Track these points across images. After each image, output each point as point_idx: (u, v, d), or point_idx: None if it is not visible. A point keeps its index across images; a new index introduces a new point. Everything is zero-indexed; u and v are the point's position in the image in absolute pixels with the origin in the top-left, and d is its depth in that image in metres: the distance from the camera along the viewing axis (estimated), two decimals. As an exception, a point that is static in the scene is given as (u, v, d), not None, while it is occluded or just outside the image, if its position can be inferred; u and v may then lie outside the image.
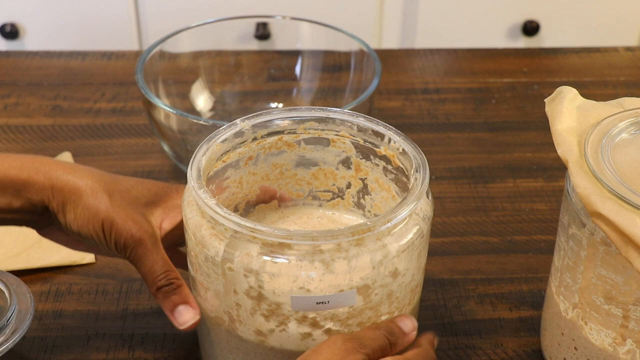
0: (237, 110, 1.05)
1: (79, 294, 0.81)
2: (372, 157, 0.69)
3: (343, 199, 0.73)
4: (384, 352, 0.61)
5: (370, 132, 0.68)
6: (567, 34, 1.67)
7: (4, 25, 1.60)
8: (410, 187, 0.62)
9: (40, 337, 0.76)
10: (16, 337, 0.70)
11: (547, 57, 1.24)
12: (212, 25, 1.02)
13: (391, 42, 1.68)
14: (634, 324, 0.64)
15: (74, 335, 0.77)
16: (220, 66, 1.06)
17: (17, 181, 0.65)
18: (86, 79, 1.15)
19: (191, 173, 0.62)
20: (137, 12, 1.61)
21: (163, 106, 0.88)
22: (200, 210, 0.61)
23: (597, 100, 0.69)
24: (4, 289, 0.73)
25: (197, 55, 1.03)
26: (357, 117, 0.68)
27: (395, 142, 0.66)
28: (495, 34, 1.66)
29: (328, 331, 0.61)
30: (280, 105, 1.06)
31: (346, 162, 0.71)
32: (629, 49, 1.25)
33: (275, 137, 0.69)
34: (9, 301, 0.72)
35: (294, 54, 1.07)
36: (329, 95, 1.04)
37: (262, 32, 1.10)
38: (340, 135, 0.69)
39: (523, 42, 1.66)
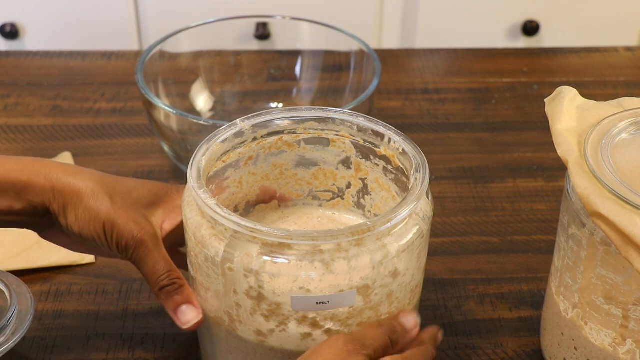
0: (237, 110, 1.05)
1: (79, 294, 0.81)
2: (372, 157, 0.69)
3: (343, 199, 0.73)
4: (386, 351, 0.61)
5: (370, 132, 0.68)
6: (567, 34, 1.67)
7: (4, 25, 1.60)
8: (410, 187, 0.62)
9: (40, 337, 0.76)
10: (17, 338, 0.70)
11: (547, 57, 1.24)
12: (212, 25, 1.02)
13: (391, 42, 1.67)
14: (634, 324, 0.64)
15: (74, 335, 0.77)
16: (220, 66, 1.06)
17: (18, 183, 0.65)
18: (86, 79, 1.15)
19: (191, 173, 0.62)
20: (137, 12, 1.61)
21: (163, 106, 0.88)
22: (200, 210, 0.61)
23: (597, 100, 0.69)
24: (4, 289, 0.73)
25: (197, 55, 1.04)
26: (357, 117, 0.68)
27: (395, 142, 0.66)
28: (495, 34, 1.66)
29: (328, 331, 0.61)
30: (280, 105, 1.06)
31: (346, 162, 0.71)
32: (629, 49, 1.25)
33: (275, 137, 0.69)
34: (9, 301, 0.72)
35: (294, 54, 1.07)
36: (329, 95, 1.04)
37: (262, 32, 1.10)
38: (340, 135, 0.69)
39: (523, 42, 1.66)
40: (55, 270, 0.83)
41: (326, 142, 0.70)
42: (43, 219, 0.67)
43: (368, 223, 0.58)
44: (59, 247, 0.72)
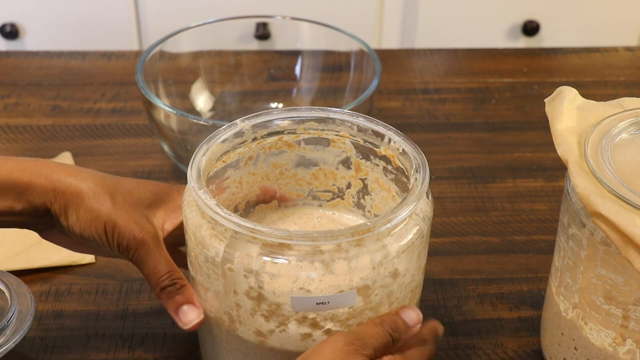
0: (237, 110, 1.05)
1: (79, 294, 0.81)
2: (372, 157, 0.69)
3: (343, 199, 0.73)
4: (387, 349, 0.60)
5: (370, 132, 0.68)
6: (567, 34, 1.67)
7: (4, 25, 1.60)
8: (410, 187, 0.62)
9: (40, 337, 0.76)
10: (17, 338, 0.70)
11: (547, 57, 1.24)
12: (212, 25, 1.02)
13: (391, 42, 1.68)
14: (634, 324, 0.64)
15: (74, 335, 0.77)
16: (220, 66, 1.06)
17: (19, 184, 0.65)
18: (86, 79, 1.15)
19: (191, 173, 0.62)
20: (137, 12, 1.61)
21: (163, 106, 0.88)
22: (200, 210, 0.61)
23: (597, 100, 0.69)
24: (4, 289, 0.73)
25: (197, 55, 1.04)
26: (357, 117, 0.68)
27: (395, 143, 0.66)
28: (495, 34, 1.66)
29: (328, 332, 0.61)
30: (280, 105, 1.06)
31: (346, 162, 0.71)
32: (629, 49, 1.25)
33: (275, 137, 0.69)
34: (9, 302, 0.72)
35: (294, 54, 1.07)
36: (329, 95, 1.04)
37: (262, 32, 1.10)
38: (340, 136, 0.69)
39: (523, 42, 1.66)
40: (55, 270, 0.83)
41: (326, 142, 0.70)
42: (44, 219, 0.67)
43: (368, 223, 0.58)
44: (59, 247, 0.72)
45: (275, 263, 0.58)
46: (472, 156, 1.02)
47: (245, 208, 0.72)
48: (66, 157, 0.99)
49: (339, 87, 1.03)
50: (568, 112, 0.66)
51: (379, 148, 0.68)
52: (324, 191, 0.73)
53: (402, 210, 0.59)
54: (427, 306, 0.80)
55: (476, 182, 0.97)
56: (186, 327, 0.65)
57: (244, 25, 1.06)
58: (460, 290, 0.83)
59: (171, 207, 0.69)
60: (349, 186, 0.72)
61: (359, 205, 0.73)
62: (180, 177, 0.97)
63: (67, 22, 1.61)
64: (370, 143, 0.68)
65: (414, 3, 1.62)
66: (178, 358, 0.75)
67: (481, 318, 0.80)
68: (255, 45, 1.10)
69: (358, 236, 0.58)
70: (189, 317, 0.65)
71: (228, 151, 0.67)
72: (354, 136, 0.69)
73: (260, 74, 1.08)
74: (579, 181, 0.60)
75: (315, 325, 0.61)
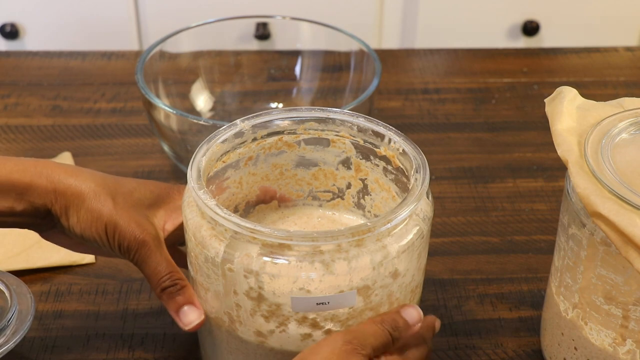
0: (237, 110, 1.05)
1: (79, 294, 0.81)
2: (372, 157, 0.69)
3: (343, 199, 0.73)
4: (386, 349, 0.60)
5: (370, 132, 0.68)
6: (567, 34, 1.67)
7: (4, 25, 1.60)
8: (410, 187, 0.62)
9: (40, 337, 0.76)
10: (17, 338, 0.70)
11: (547, 57, 1.24)
12: (212, 25, 1.02)
13: (391, 42, 1.67)
14: (634, 324, 0.64)
15: (74, 335, 0.77)
16: (220, 66, 1.06)
17: (20, 185, 0.65)
18: (86, 79, 1.15)
19: (191, 174, 0.62)
20: (137, 12, 1.61)
21: (163, 106, 0.88)
22: (200, 211, 0.61)
23: (597, 100, 0.69)
24: (4, 289, 0.73)
25: (197, 55, 1.04)
26: (357, 117, 0.68)
27: (396, 143, 0.66)
28: (495, 34, 1.66)
29: (328, 332, 0.61)
30: (280, 105, 1.06)
31: (346, 163, 0.71)
32: (629, 49, 1.25)
33: (275, 138, 0.69)
34: (9, 302, 0.72)
35: (294, 54, 1.07)
36: (329, 95, 1.04)
37: (262, 32, 1.10)
38: (340, 136, 0.69)
39: (523, 42, 1.66)
40: (55, 270, 0.83)
41: (326, 143, 0.70)
42: (44, 220, 0.67)
43: (368, 224, 0.58)
44: (59, 247, 0.72)
45: (275, 263, 0.58)
46: (472, 156, 1.02)
47: (245, 208, 0.72)
48: (66, 157, 0.99)
49: (339, 87, 1.03)
50: (568, 112, 0.66)
51: (379, 148, 0.68)
52: (324, 191, 0.73)
53: (402, 210, 0.59)
54: (427, 306, 0.80)
55: (476, 182, 0.97)
56: (187, 328, 0.65)
57: (244, 25, 1.06)
58: (460, 290, 0.83)
59: (172, 207, 0.69)
60: (349, 186, 0.72)
61: (359, 206, 0.73)
62: (180, 177, 0.97)
63: (67, 22, 1.61)
64: (370, 143, 0.68)
65: (414, 3, 1.62)
66: (178, 358, 0.75)
67: (481, 318, 0.80)
68: (255, 45, 1.10)
69: (358, 236, 0.58)
70: (190, 317, 0.65)
71: (228, 151, 0.67)
72: (354, 136, 0.69)
73: (260, 74, 1.08)
74: (579, 181, 0.60)
75: (315, 325, 0.61)
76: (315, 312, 0.60)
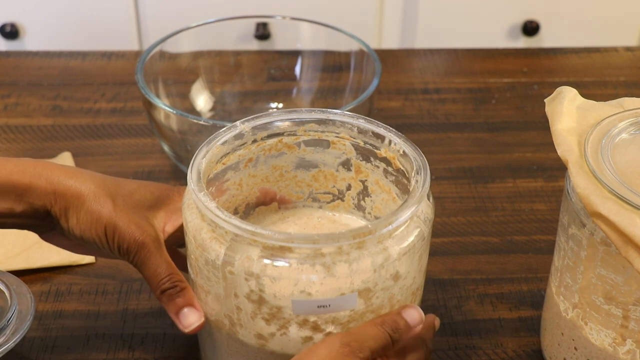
0: (237, 111, 1.05)
1: (79, 294, 0.81)
2: (372, 159, 0.69)
3: (343, 200, 0.73)
4: (385, 351, 0.60)
5: (371, 134, 0.68)
6: (567, 34, 1.67)
7: (4, 25, 1.60)
8: (411, 189, 0.62)
9: (40, 337, 0.76)
10: (17, 338, 0.70)
11: (547, 57, 1.24)
12: (212, 25, 1.02)
13: (391, 42, 1.67)
14: (634, 324, 0.64)
15: (74, 335, 0.77)
16: (220, 66, 1.06)
17: (19, 186, 0.65)
18: (86, 79, 1.15)
19: (191, 176, 0.62)
20: (137, 12, 1.61)
21: (163, 106, 0.88)
22: (200, 213, 0.61)
23: (597, 100, 0.69)
24: (4, 289, 0.73)
25: (197, 55, 1.04)
26: (357, 118, 0.68)
27: (396, 144, 0.66)
28: (495, 34, 1.66)
29: (329, 335, 0.61)
30: (280, 105, 1.06)
31: (346, 164, 0.71)
32: (629, 49, 1.25)
33: (275, 139, 0.69)
34: (9, 302, 0.72)
35: (294, 54, 1.07)
36: (329, 96, 1.04)
37: (262, 32, 1.10)
38: (341, 137, 0.69)
39: (523, 42, 1.66)
40: (55, 270, 0.83)
41: (326, 144, 0.70)
42: (44, 221, 0.67)
43: (369, 226, 0.58)
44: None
45: (276, 266, 0.58)
46: (472, 156, 1.02)
47: (245, 210, 0.72)
48: (66, 157, 0.99)
49: (339, 87, 1.03)
50: (568, 112, 0.66)
51: (380, 150, 0.68)
52: (324, 193, 0.73)
53: (403, 212, 0.59)
54: (427, 306, 0.80)
55: (476, 182, 0.97)
56: (187, 330, 0.65)
57: (244, 25, 1.06)
58: (460, 291, 0.83)
59: (172, 208, 0.69)
60: (349, 188, 0.72)
61: (359, 207, 0.73)
62: (180, 177, 0.97)
63: (67, 22, 1.61)
64: (371, 145, 0.68)
65: (414, 3, 1.62)
66: (178, 358, 0.75)
67: (481, 318, 0.80)
68: (255, 45, 1.10)
69: (359, 239, 0.58)
70: (190, 319, 0.65)
71: (228, 153, 0.67)
72: (354, 138, 0.69)
73: (260, 74, 1.08)
74: (579, 181, 0.60)
75: (316, 328, 0.61)
76: (316, 314, 0.60)
